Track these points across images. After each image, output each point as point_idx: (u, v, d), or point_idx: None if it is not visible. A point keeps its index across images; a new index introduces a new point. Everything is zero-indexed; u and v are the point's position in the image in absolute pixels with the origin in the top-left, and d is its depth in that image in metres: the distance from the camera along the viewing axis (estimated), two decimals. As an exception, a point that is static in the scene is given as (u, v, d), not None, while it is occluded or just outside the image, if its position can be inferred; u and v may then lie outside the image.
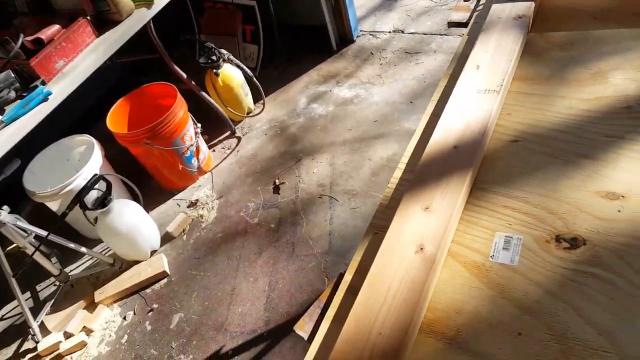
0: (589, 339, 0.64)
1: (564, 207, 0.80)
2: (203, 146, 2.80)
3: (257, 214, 2.51)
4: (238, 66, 2.72)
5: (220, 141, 3.02)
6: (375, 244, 0.91)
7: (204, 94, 2.75)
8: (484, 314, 0.72)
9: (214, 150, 2.97)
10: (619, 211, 0.77)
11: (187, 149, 2.61)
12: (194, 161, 2.70)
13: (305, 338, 0.92)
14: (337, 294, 0.89)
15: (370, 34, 3.45)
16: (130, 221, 2.25)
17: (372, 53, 3.29)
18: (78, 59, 1.94)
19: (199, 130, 2.70)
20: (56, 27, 1.92)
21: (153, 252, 2.46)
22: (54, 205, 2.39)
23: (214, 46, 2.69)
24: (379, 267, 0.82)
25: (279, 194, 2.57)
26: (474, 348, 0.69)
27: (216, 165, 2.86)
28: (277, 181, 2.62)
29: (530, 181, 0.86)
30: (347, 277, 0.91)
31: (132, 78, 3.12)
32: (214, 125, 2.99)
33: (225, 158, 2.89)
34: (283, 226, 2.40)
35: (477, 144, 0.95)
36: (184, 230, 2.55)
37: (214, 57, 2.72)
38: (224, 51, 2.69)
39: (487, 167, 0.93)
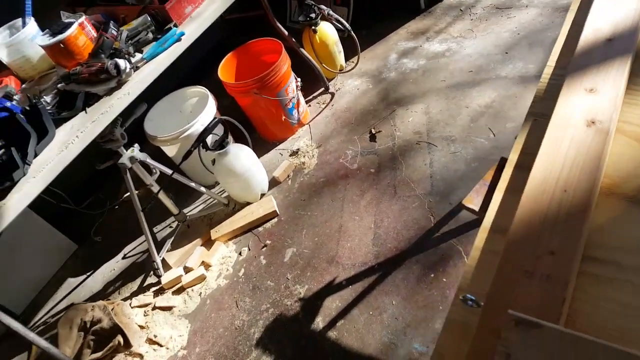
0: None
1: None
2: (302, 100, 2.81)
3: (355, 160, 2.49)
4: (338, 21, 2.69)
5: (315, 97, 3.03)
6: (537, 128, 0.89)
7: (302, 50, 2.75)
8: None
9: (309, 106, 2.98)
10: None
11: (290, 100, 2.64)
12: (295, 113, 2.72)
13: (477, 209, 0.89)
14: (505, 170, 0.85)
15: (458, -8, 3.30)
16: (246, 163, 2.31)
17: (461, 10, 3.15)
18: (203, 5, 1.99)
19: (299, 84, 2.71)
20: (184, -24, 1.97)
21: (262, 195, 2.52)
22: (170, 150, 2.50)
23: (313, 3, 2.67)
24: (551, 140, 0.79)
25: (375, 142, 2.54)
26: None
27: (313, 118, 2.87)
28: (373, 130, 2.59)
29: None
30: (513, 157, 0.87)
31: (235, 36, 3.17)
32: (309, 82, 2.99)
33: (320, 112, 2.90)
34: (382, 171, 2.37)
35: (632, 34, 0.89)
36: (288, 176, 2.58)
37: (312, 15, 2.70)
38: (323, 7, 2.66)
39: None
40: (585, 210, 0.68)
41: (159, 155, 2.53)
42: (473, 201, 0.90)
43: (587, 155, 0.74)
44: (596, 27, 0.94)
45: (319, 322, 1.93)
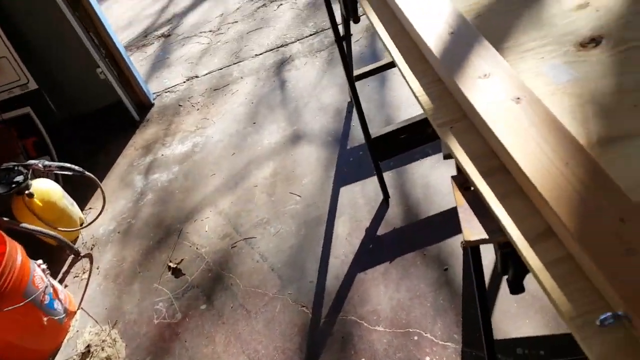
0: None
1: None
2: (56, 284, 2.16)
3: (175, 310, 2.04)
4: (62, 167, 2.21)
5: (67, 272, 2.39)
6: (460, 134, 0.87)
7: (26, 225, 2.15)
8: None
9: (66, 286, 2.32)
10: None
11: (44, 293, 1.98)
12: (58, 305, 2.06)
13: (487, 237, 0.76)
14: (476, 182, 0.78)
15: (166, 92, 3.26)
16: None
17: (180, 105, 3.11)
18: None
19: (43, 266, 2.08)
20: None
21: None
22: None
23: (15, 163, 2.14)
24: (505, 132, 0.78)
25: (183, 274, 2.15)
26: None
27: (82, 298, 2.24)
28: (170, 264, 2.20)
29: (525, 22, 0.98)
30: (470, 169, 0.81)
31: None
32: (48, 257, 2.35)
33: (87, 285, 2.29)
34: (216, 299, 2.01)
35: (462, 19, 1.02)
36: (97, 386, 1.90)
37: (19, 178, 2.15)
38: (34, 161, 2.16)
39: (491, 29, 0.99)
40: (596, 165, 0.68)
41: None
42: (473, 232, 0.77)
43: (547, 122, 0.76)
44: (434, 30, 1.02)
45: None
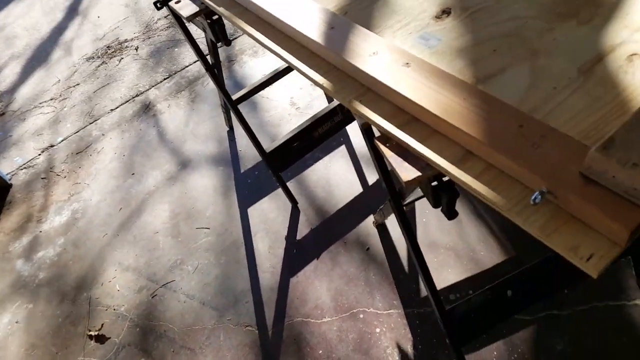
0: None
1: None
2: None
3: (109, 377, 1.93)
4: None
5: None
6: (369, 101, 1.08)
7: None
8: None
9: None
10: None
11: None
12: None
13: (419, 173, 0.96)
14: (397, 135, 0.99)
15: (21, 170, 3.02)
16: None
17: (43, 178, 2.91)
18: None
19: None
20: None
21: None
22: None
23: None
24: (411, 89, 0.99)
25: (108, 338, 2.04)
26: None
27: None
28: (91, 332, 2.07)
29: (385, 11, 1.24)
30: (388, 127, 1.01)
31: None
32: None
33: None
34: (154, 349, 1.95)
35: (342, 18, 1.25)
36: None
37: None
38: None
39: (361, 20, 1.23)
40: (487, 95, 0.92)
41: None
42: (408, 174, 0.96)
43: (437, 75, 1.00)
44: (317, 29, 1.21)
45: None
